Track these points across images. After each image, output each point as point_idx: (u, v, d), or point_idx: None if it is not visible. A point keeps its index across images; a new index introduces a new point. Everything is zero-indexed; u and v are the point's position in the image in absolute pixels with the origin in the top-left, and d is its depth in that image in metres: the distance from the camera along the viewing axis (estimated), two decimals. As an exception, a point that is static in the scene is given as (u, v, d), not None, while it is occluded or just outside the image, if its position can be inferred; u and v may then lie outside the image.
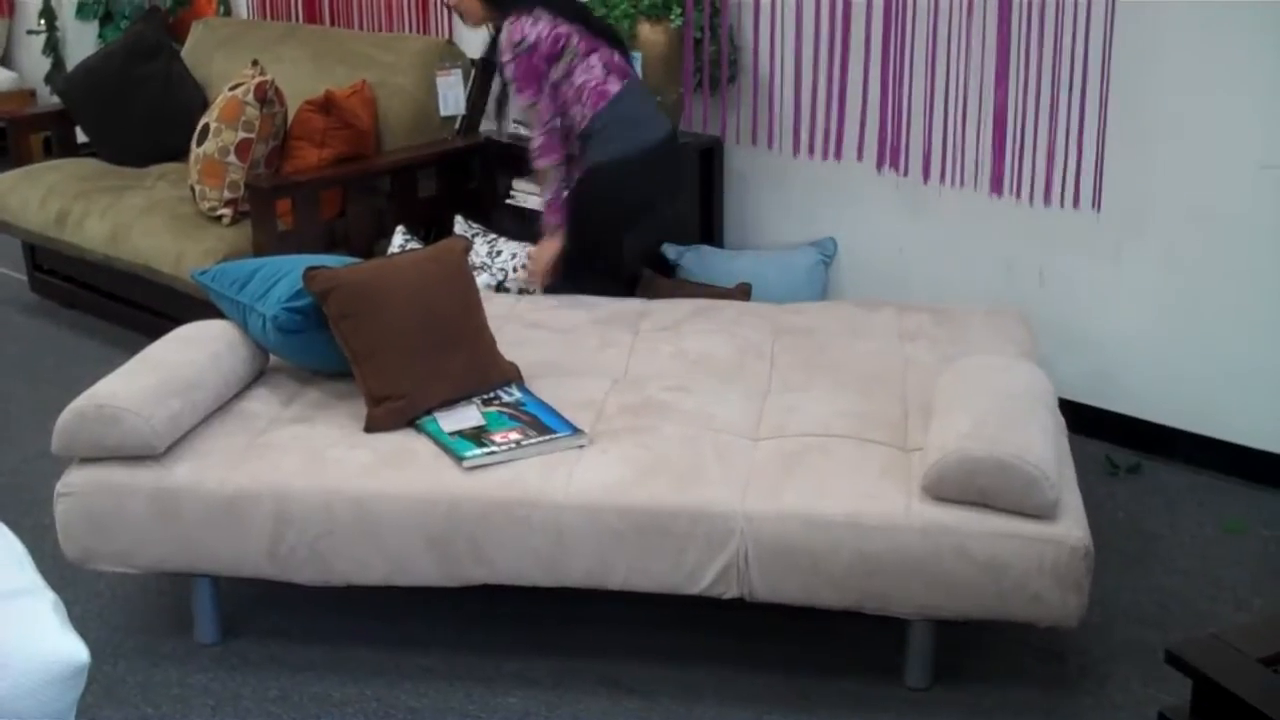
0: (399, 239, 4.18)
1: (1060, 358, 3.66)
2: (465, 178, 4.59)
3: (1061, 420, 2.89)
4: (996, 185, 3.76)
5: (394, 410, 2.84)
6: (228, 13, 5.82)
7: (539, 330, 3.38)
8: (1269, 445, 3.49)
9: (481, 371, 2.97)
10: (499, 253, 4.05)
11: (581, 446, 2.76)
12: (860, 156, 4.05)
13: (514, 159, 4.25)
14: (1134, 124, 3.49)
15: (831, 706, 2.67)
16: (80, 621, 1.84)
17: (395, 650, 2.87)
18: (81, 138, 5.14)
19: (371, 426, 2.83)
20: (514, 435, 2.77)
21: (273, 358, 3.16)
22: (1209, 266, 3.47)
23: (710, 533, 2.57)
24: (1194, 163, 3.43)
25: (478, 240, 4.08)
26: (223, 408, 2.95)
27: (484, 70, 3.77)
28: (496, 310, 3.34)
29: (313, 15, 5.45)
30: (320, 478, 2.70)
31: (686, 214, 4.31)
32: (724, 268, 4.14)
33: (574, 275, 3.68)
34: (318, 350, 2.98)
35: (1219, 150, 3.38)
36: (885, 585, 2.54)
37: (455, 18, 4.88)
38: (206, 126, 4.26)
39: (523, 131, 4.00)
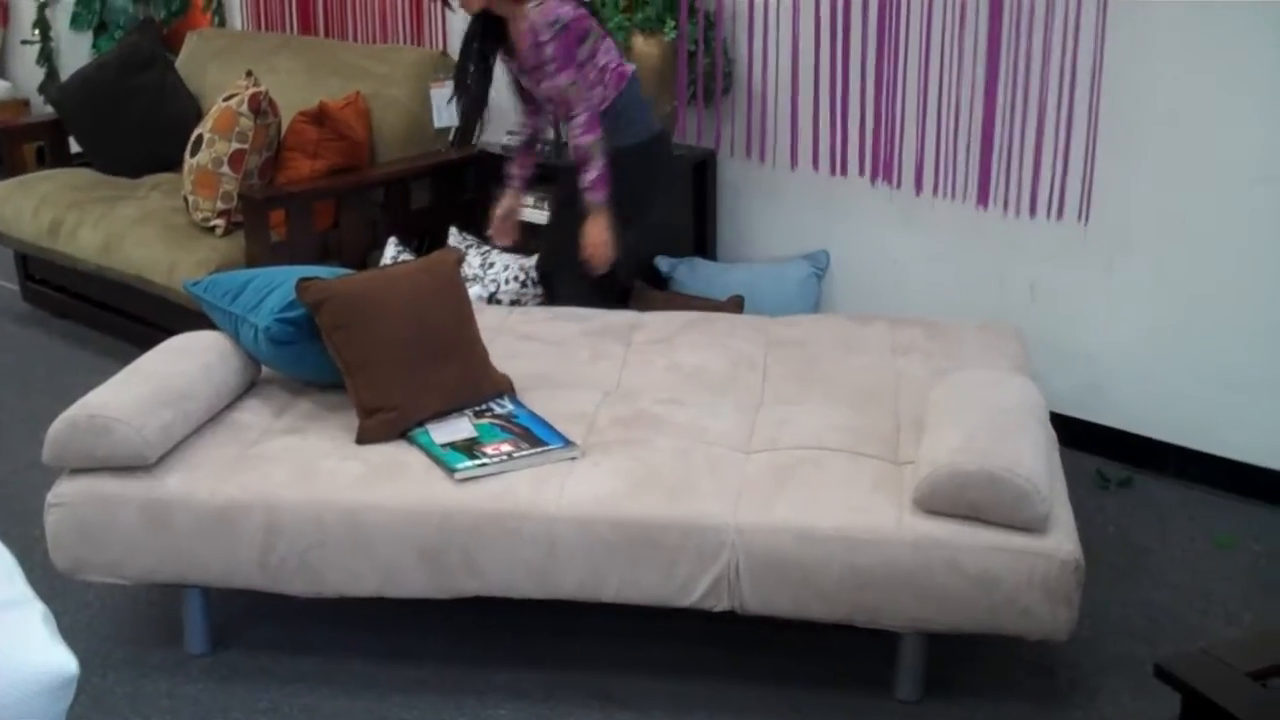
0: (392, 250, 4.18)
1: (1052, 371, 3.67)
2: (459, 189, 4.60)
3: (1053, 434, 2.89)
4: (983, 197, 3.77)
5: (386, 422, 2.84)
6: (222, 24, 5.82)
7: (531, 342, 3.38)
8: (1260, 460, 3.50)
9: (474, 383, 2.97)
10: (492, 264, 4.05)
11: (573, 459, 2.76)
12: (853, 169, 4.06)
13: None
14: (1123, 137, 3.50)
15: (822, 719, 2.67)
16: (69, 632, 1.83)
17: (386, 662, 2.86)
18: (75, 148, 5.14)
19: (363, 438, 2.83)
20: (506, 447, 2.77)
21: (264, 368, 3.16)
22: (1199, 280, 3.48)
23: (702, 545, 2.57)
24: (1183, 176, 3.44)
25: (471, 252, 4.09)
26: (214, 418, 2.94)
27: (481, 59, 3.67)
28: (489, 322, 3.35)
29: (307, 27, 5.45)
30: (312, 489, 2.70)
31: (680, 226, 4.32)
32: (717, 280, 4.14)
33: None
34: (310, 361, 2.98)
35: (1208, 164, 3.39)
36: (876, 598, 2.55)
37: (447, 18, 4.90)
38: (200, 137, 4.26)
39: (513, 143, 3.97)
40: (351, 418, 2.88)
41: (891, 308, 3.95)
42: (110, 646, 2.93)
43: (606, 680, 2.79)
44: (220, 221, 4.22)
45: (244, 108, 4.20)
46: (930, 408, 2.83)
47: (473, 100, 3.76)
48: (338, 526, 2.66)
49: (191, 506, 2.70)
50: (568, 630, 2.93)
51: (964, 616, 2.53)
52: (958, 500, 2.51)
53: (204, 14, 5.89)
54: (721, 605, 2.61)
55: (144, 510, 2.71)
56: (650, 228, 3.97)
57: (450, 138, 4.64)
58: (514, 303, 3.97)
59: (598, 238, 3.60)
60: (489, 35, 3.65)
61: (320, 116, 4.29)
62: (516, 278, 4.01)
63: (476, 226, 4.33)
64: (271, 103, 4.28)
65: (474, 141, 4.14)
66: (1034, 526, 2.50)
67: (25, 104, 6.86)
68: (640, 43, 4.14)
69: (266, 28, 5.60)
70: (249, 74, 4.40)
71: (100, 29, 6.36)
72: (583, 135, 3.55)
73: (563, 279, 3.85)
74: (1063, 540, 2.51)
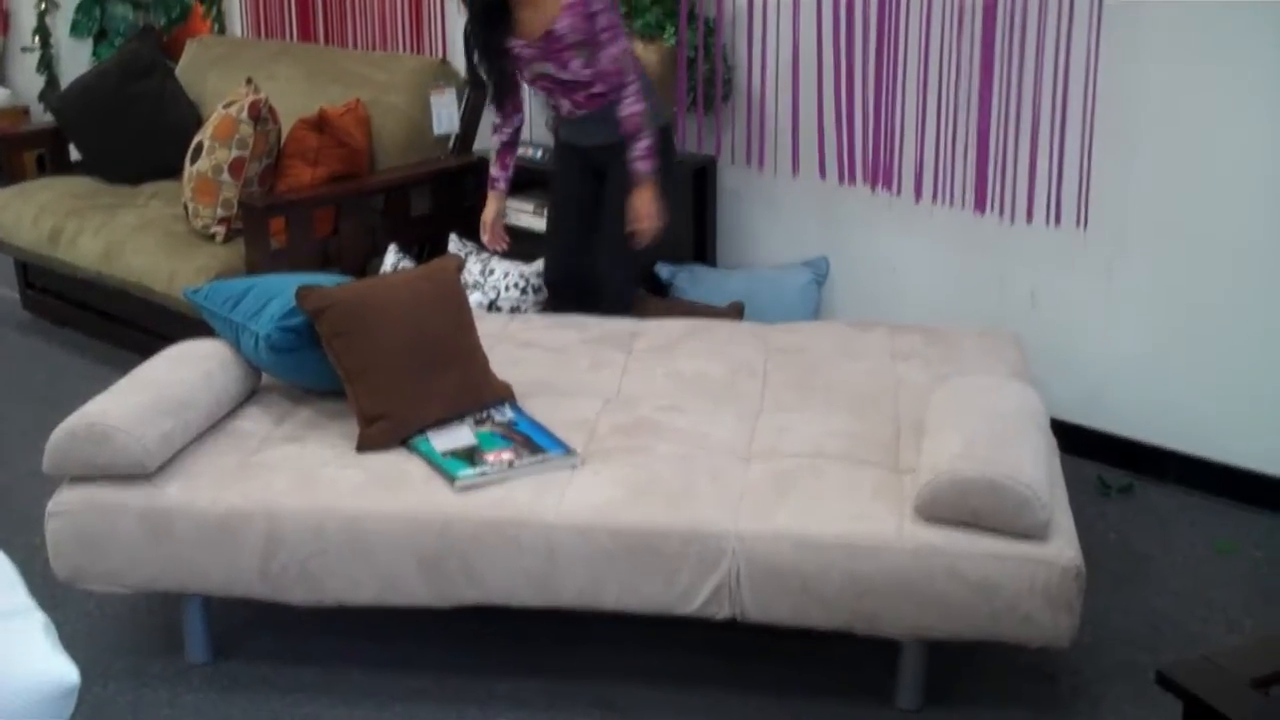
0: (392, 258, 4.19)
1: (1051, 377, 3.67)
2: (459, 196, 4.60)
3: (1053, 441, 2.89)
4: (980, 203, 3.77)
5: (386, 429, 2.84)
6: (222, 31, 5.83)
7: (531, 349, 3.38)
8: (1261, 466, 3.50)
9: (474, 391, 2.97)
10: (492, 271, 4.05)
11: (574, 467, 2.76)
12: (853, 176, 4.06)
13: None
14: (1119, 143, 3.50)
15: (823, 727, 2.67)
16: (70, 641, 1.83)
17: (387, 672, 2.86)
18: (75, 155, 5.14)
19: (364, 445, 2.83)
20: (506, 455, 2.77)
21: (265, 376, 3.16)
22: (1200, 285, 3.48)
23: (702, 553, 2.57)
24: (1181, 181, 3.44)
25: (471, 259, 4.09)
26: (215, 427, 2.94)
27: (491, 50, 3.61)
28: (489, 329, 3.35)
29: (307, 34, 5.46)
30: (312, 497, 2.69)
31: (680, 233, 4.32)
32: (717, 287, 4.14)
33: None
34: (310, 369, 2.98)
35: (1206, 168, 3.39)
36: (877, 606, 2.54)
37: (446, 25, 4.89)
38: (200, 144, 4.26)
39: (495, 144, 3.88)
40: (352, 425, 2.88)
41: (891, 314, 3.95)
42: (111, 656, 2.93)
43: (607, 689, 2.79)
44: (220, 229, 4.22)
45: (244, 115, 4.20)
46: (930, 414, 2.83)
47: (500, 77, 3.67)
48: (338, 535, 2.66)
49: (192, 515, 2.70)
50: (569, 639, 2.93)
51: (965, 624, 2.53)
52: (959, 507, 2.51)
53: (204, 21, 5.90)
54: (722, 613, 2.61)
55: (144, 519, 2.71)
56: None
57: (450, 145, 4.64)
58: (514, 310, 3.97)
59: (648, 208, 3.60)
60: (494, 25, 3.55)
61: (320, 124, 4.29)
62: (516, 284, 4.01)
63: (476, 234, 4.33)
64: (271, 110, 4.28)
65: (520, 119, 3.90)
66: (1035, 533, 2.50)
67: (25, 112, 6.87)
68: (640, 49, 4.13)
69: (266, 35, 5.61)
70: (249, 81, 4.40)
71: (100, 36, 6.37)
72: (636, 104, 3.55)
73: (615, 263, 3.78)
74: (1064, 547, 2.51)
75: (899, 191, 3.97)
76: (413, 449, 2.83)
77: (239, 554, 2.69)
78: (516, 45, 3.57)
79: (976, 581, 2.49)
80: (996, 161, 3.71)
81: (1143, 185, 3.51)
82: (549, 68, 3.57)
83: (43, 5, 6.67)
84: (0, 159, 5.15)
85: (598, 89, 3.59)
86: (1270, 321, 3.40)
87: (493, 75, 3.68)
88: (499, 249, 3.91)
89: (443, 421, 2.90)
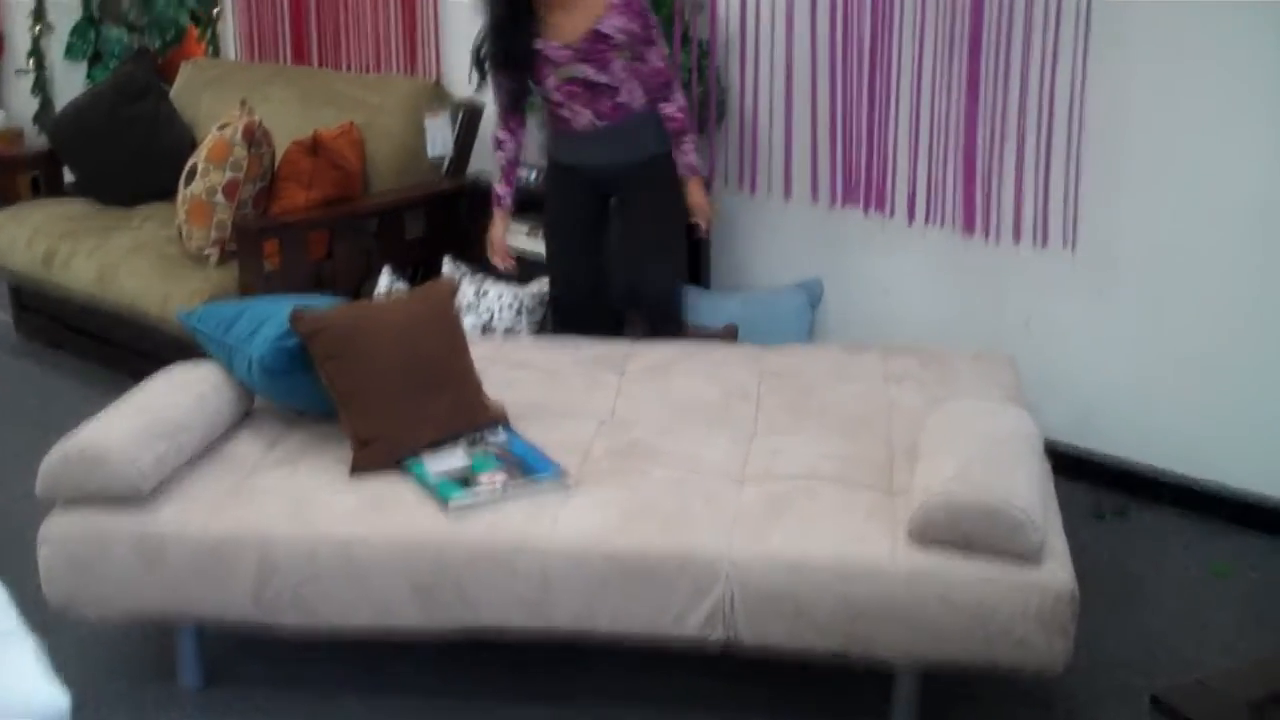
0: (386, 280, 4.19)
1: (1045, 401, 3.67)
2: (453, 219, 4.60)
3: (1048, 464, 2.89)
4: (969, 225, 3.78)
5: (379, 452, 2.83)
6: (216, 53, 5.83)
7: (525, 371, 3.38)
8: (1255, 488, 3.50)
9: (468, 413, 2.97)
10: (486, 293, 4.05)
11: (567, 489, 2.76)
12: (846, 198, 4.06)
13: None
14: (1108, 164, 3.51)
15: (818, 752, 2.66)
16: (61, 666, 1.82)
17: (381, 698, 2.84)
18: (69, 177, 5.14)
19: (357, 468, 2.82)
20: (500, 478, 2.77)
21: (258, 399, 3.15)
22: (1191, 307, 3.49)
23: (697, 577, 2.56)
24: (1171, 203, 3.45)
25: (465, 281, 4.09)
26: (208, 450, 2.94)
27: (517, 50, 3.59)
28: (483, 351, 3.34)
29: (301, 56, 5.47)
30: (305, 523, 2.69)
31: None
32: (710, 309, 4.14)
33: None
34: (303, 392, 2.97)
35: (1196, 190, 3.40)
36: (870, 630, 2.54)
37: (440, 48, 4.89)
38: (194, 167, 4.27)
39: (501, 160, 3.87)
40: (345, 449, 2.87)
41: (885, 336, 3.95)
42: (103, 681, 2.91)
43: (603, 713, 2.78)
44: (214, 251, 4.22)
45: (238, 137, 4.20)
46: (924, 437, 2.83)
47: (515, 86, 3.65)
48: (331, 560, 2.65)
49: (185, 541, 2.69)
50: (565, 662, 2.92)
51: (959, 648, 2.52)
52: (953, 531, 2.51)
53: (198, 44, 5.90)
54: (716, 637, 2.60)
55: (137, 545, 2.70)
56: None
57: (444, 167, 4.65)
58: (508, 332, 3.97)
59: (703, 199, 3.72)
60: (521, 29, 3.50)
61: (314, 146, 4.30)
62: (511, 306, 4.01)
63: (470, 256, 4.34)
64: (265, 132, 4.29)
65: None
66: (1029, 557, 2.49)
67: (20, 134, 6.87)
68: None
69: (260, 57, 5.61)
70: (243, 103, 4.41)
71: (95, 59, 6.37)
72: (682, 99, 3.65)
73: (662, 272, 3.78)
74: (1058, 571, 2.50)
75: (891, 214, 3.98)
76: (406, 472, 2.82)
77: (232, 580, 2.68)
78: (548, 48, 3.51)
79: (970, 605, 2.48)
80: (984, 183, 3.72)
81: (1132, 208, 3.52)
82: (586, 70, 3.52)
83: (37, 28, 6.68)
84: (-6, 181, 5.15)
85: (622, 97, 3.58)
86: (1263, 343, 3.40)
87: (508, 85, 3.66)
88: (508, 267, 3.89)
89: (436, 444, 2.89)
